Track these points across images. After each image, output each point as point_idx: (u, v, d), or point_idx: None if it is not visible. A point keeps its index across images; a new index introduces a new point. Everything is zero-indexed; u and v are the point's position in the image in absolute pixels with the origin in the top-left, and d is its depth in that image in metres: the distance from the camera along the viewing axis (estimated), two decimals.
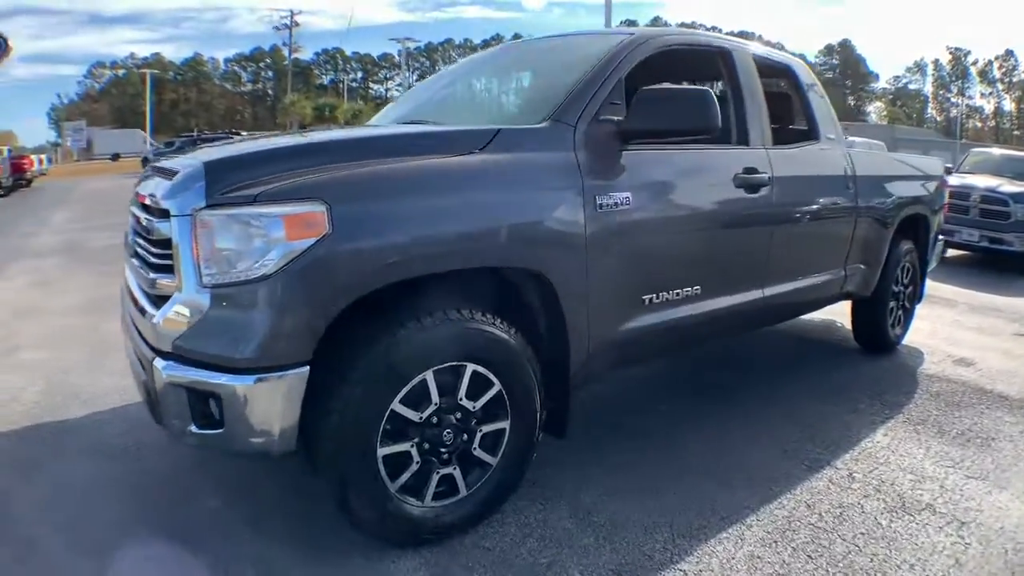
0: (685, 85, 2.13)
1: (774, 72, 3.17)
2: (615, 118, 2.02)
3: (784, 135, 3.11)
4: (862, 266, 3.26)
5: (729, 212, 2.44)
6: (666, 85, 2.06)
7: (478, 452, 1.83)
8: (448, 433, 1.75)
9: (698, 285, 2.30)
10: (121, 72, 69.74)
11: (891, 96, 77.45)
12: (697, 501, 2.04)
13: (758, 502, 2.04)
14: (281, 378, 1.51)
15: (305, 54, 68.49)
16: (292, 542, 1.80)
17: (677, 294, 2.24)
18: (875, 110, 75.17)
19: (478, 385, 1.78)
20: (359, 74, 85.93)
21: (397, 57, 73.96)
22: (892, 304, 3.62)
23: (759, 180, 2.50)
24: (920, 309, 4.19)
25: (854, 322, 3.70)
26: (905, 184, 3.55)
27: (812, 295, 3.00)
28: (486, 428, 1.83)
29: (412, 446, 1.71)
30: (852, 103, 76.05)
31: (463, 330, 1.71)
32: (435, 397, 1.71)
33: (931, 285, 5.83)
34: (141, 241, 1.81)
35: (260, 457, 1.66)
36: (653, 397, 2.94)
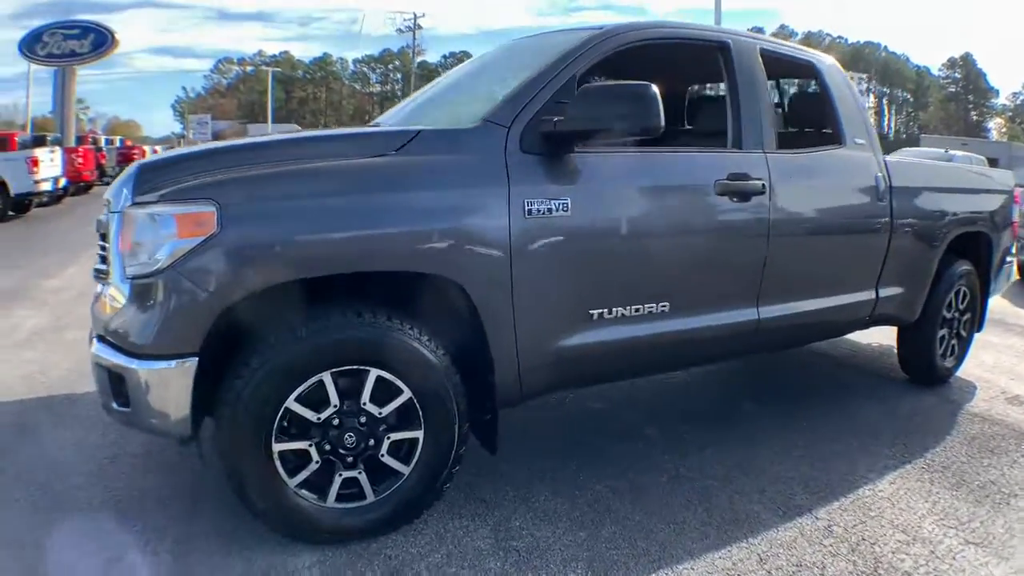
0: (628, 81, 1.90)
1: (793, 70, 2.90)
2: (557, 119, 1.89)
3: (804, 139, 2.86)
4: (901, 288, 2.91)
5: (707, 222, 2.24)
6: (608, 81, 1.92)
7: (387, 459, 1.81)
8: (351, 436, 1.75)
9: (666, 302, 2.13)
10: (249, 68, 74.31)
11: (1010, 113, 69.48)
12: (634, 538, 1.89)
13: (704, 548, 1.86)
14: (171, 367, 1.60)
15: (432, 57, 70.39)
16: (218, 522, 1.88)
17: (637, 310, 2.08)
18: (995, 126, 68.01)
19: (385, 391, 1.75)
20: None
21: None
22: (943, 332, 3.22)
23: (750, 187, 2.28)
24: (988, 337, 3.71)
25: (899, 350, 3.34)
26: (960, 198, 3.16)
27: (828, 319, 2.69)
28: (396, 436, 1.81)
29: (311, 445, 1.73)
30: (975, 118, 68.98)
31: (364, 334, 1.70)
32: (334, 399, 1.72)
33: (1008, 311, 5.17)
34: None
35: (168, 438, 1.72)
36: (647, 417, 2.78)
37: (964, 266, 3.22)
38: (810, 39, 59.38)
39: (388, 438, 1.79)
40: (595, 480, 2.20)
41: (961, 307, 3.29)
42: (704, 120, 3.15)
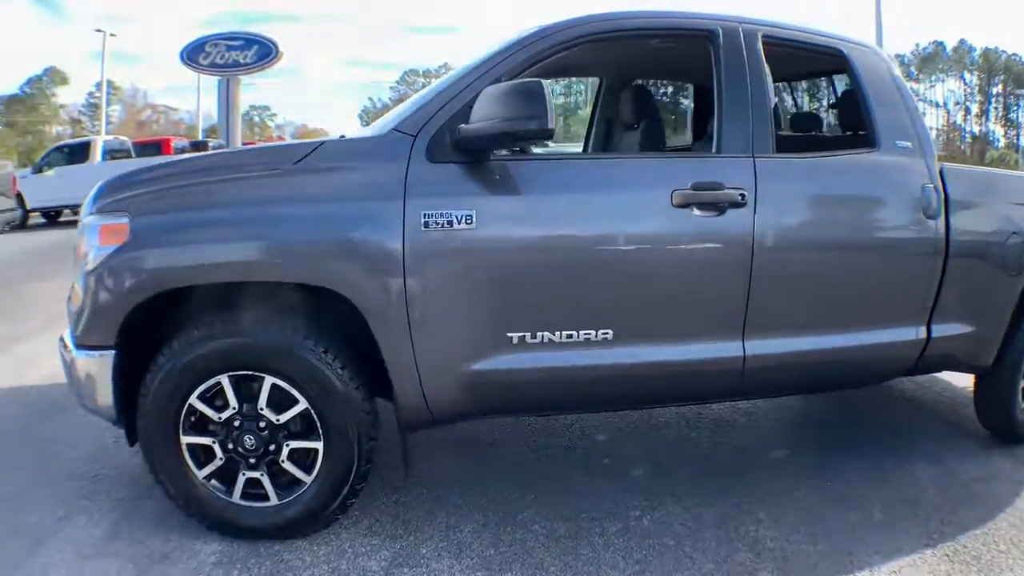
0: (522, 79, 1.75)
1: (815, 58, 2.47)
2: (462, 126, 1.82)
3: (828, 142, 2.48)
4: (967, 326, 2.38)
5: (661, 238, 1.98)
6: (505, 82, 1.79)
7: (287, 465, 1.90)
8: (250, 439, 1.87)
9: (608, 329, 1.93)
10: (434, 80, 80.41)
11: None
12: None
13: None
14: (94, 357, 1.84)
15: None
16: (145, 504, 2.11)
17: (570, 336, 1.91)
18: None
19: (283, 399, 1.84)
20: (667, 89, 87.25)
21: None
22: None
23: (724, 197, 1.98)
24: None
25: (975, 398, 2.75)
26: None
27: (852, 360, 2.24)
28: (295, 444, 1.90)
29: (215, 442, 1.88)
30: None
31: (256, 340, 1.80)
32: (233, 401, 1.84)
33: None
34: None
35: (104, 419, 1.95)
36: (646, 454, 2.55)
37: None
38: (987, 56, 50.37)
39: (287, 445, 1.89)
40: (539, 519, 2.08)
41: None
42: (693, 122, 2.82)
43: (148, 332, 1.86)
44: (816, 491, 2.27)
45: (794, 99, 3.52)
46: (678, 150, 3.20)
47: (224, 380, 1.81)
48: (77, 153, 13.00)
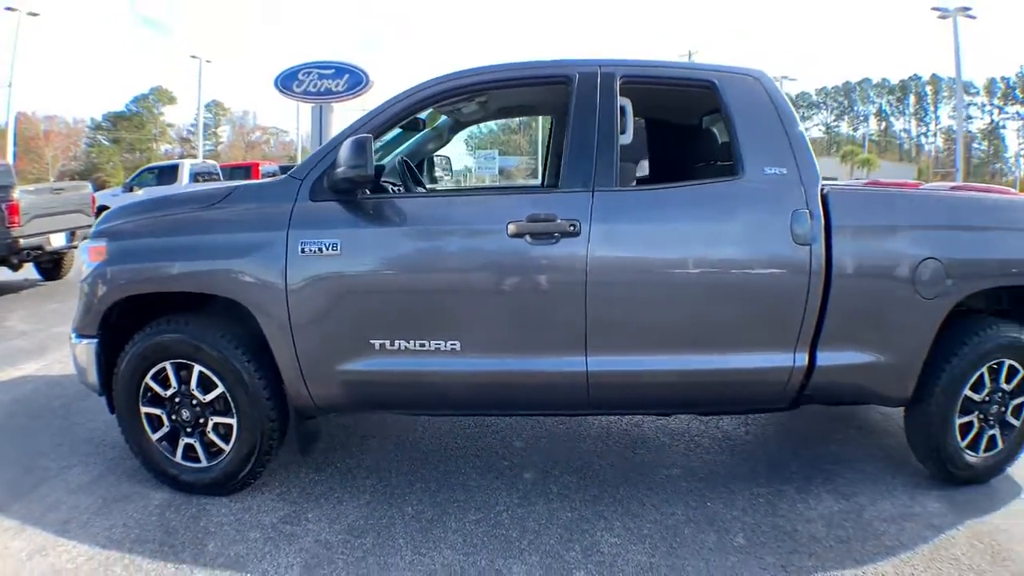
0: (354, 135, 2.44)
1: (692, 93, 2.86)
2: (337, 170, 2.45)
3: (699, 172, 2.88)
4: (869, 355, 2.59)
5: (497, 264, 2.51)
6: (350, 137, 2.43)
7: (211, 436, 2.71)
8: (187, 412, 2.69)
9: (455, 340, 2.51)
10: None
11: None
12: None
13: None
14: (82, 343, 2.75)
15: None
16: (125, 463, 2.99)
17: (423, 345, 2.52)
18: None
19: (209, 383, 2.65)
20: None
21: (814, 97, 74.50)
22: (967, 418, 2.77)
23: (556, 228, 2.47)
24: None
25: (905, 433, 2.94)
26: (984, 238, 2.71)
27: (708, 380, 2.57)
28: (216, 419, 2.69)
29: (163, 413, 2.71)
30: None
31: (188, 338, 2.61)
32: (174, 383, 2.68)
33: None
34: None
35: (95, 393, 2.84)
36: (564, 463, 3.05)
37: (1010, 333, 2.72)
38: None
39: (212, 419, 2.68)
40: (415, 503, 2.68)
41: (1007, 387, 2.77)
42: (556, 161, 3.32)
43: (130, 326, 2.72)
44: (690, 510, 2.64)
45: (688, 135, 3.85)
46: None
47: (168, 366, 2.64)
48: (166, 175, 15.55)
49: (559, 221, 2.48)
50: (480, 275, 2.53)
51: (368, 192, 2.59)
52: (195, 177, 15.77)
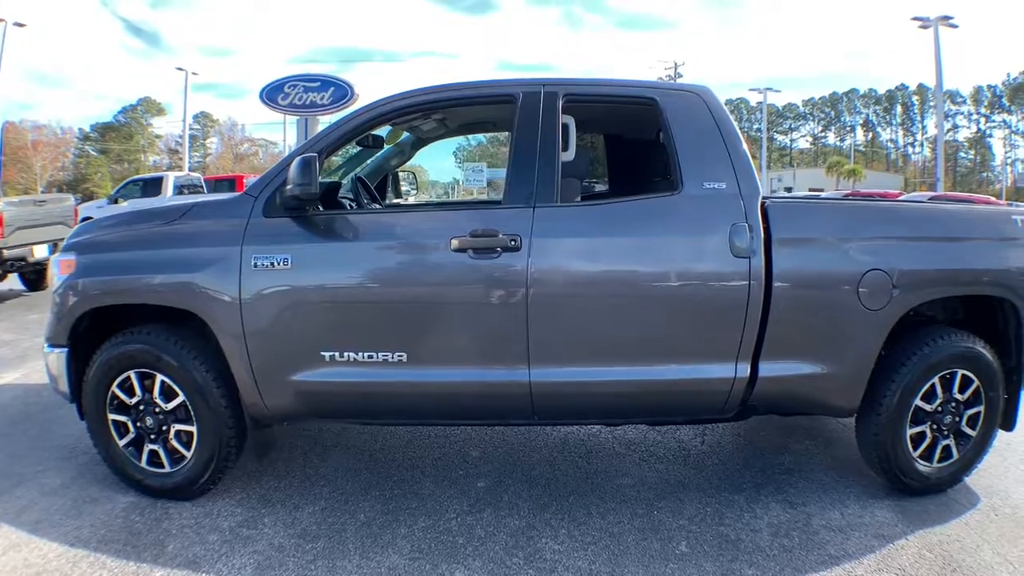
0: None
1: (634, 109, 3.00)
2: (286, 188, 2.58)
3: (637, 188, 2.98)
4: (812, 366, 2.65)
5: (440, 277, 2.63)
6: (299, 155, 2.56)
7: (174, 442, 2.81)
8: (151, 420, 2.80)
9: (402, 352, 2.62)
10: None
11: None
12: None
13: None
14: (54, 352, 2.87)
15: None
16: (96, 468, 3.10)
17: (370, 357, 2.62)
18: None
19: (171, 392, 2.76)
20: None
21: (801, 108, 75.55)
22: (919, 428, 2.82)
23: (498, 243, 2.57)
24: None
25: (857, 443, 3.00)
26: (931, 248, 2.75)
27: (650, 391, 2.67)
28: (178, 427, 2.80)
29: (129, 420, 2.83)
30: None
31: (149, 348, 2.73)
32: (139, 391, 2.79)
33: None
34: None
35: (67, 400, 2.94)
36: (504, 469, 3.22)
37: (962, 343, 2.78)
38: None
39: (173, 427, 2.78)
40: (367, 511, 2.78)
41: (960, 397, 2.84)
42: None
43: (100, 336, 2.82)
44: (637, 519, 2.73)
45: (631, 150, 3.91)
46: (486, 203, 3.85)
47: (132, 375, 2.75)
48: (150, 187, 15.67)
49: (500, 236, 2.58)
50: (425, 288, 2.65)
51: (320, 208, 2.72)
52: (179, 189, 15.89)
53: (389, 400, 2.73)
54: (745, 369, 2.66)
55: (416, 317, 2.66)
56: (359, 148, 3.62)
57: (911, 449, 2.81)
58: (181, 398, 2.74)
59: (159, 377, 2.74)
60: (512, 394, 2.66)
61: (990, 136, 72.42)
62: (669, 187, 2.78)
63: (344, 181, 3.56)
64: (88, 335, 2.85)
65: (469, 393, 2.69)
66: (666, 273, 2.66)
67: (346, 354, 2.64)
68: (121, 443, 2.83)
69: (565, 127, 2.75)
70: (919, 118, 76.55)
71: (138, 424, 2.81)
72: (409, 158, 4.04)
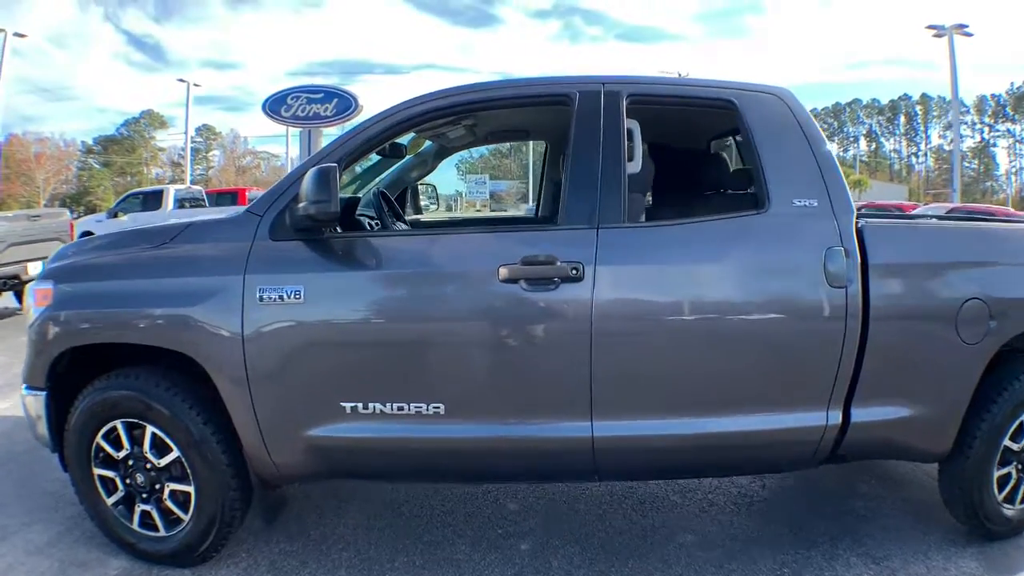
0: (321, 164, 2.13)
1: (709, 112, 2.61)
2: (299, 205, 2.17)
3: (718, 205, 2.63)
4: (906, 409, 2.33)
5: (487, 314, 2.20)
6: (314, 166, 2.15)
7: (169, 503, 2.40)
8: (141, 477, 2.39)
9: (439, 403, 2.20)
10: None
11: None
12: None
13: None
14: (31, 395, 2.46)
15: None
16: (85, 523, 2.69)
17: (401, 409, 2.21)
18: None
19: (163, 446, 2.35)
20: None
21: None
22: (1006, 470, 2.52)
23: (555, 272, 2.16)
24: None
25: (939, 487, 2.68)
26: None
27: (731, 444, 2.29)
28: (173, 486, 2.38)
29: (117, 476, 2.41)
30: None
31: (136, 394, 2.31)
32: (127, 444, 2.38)
33: None
34: None
35: (47, 448, 2.54)
36: (548, 526, 2.84)
37: None
38: None
39: (168, 486, 2.37)
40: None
41: None
42: (552, 191, 3.09)
43: (84, 376, 2.41)
44: None
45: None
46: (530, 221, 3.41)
47: (119, 425, 2.34)
48: (150, 200, 15.26)
49: (559, 264, 2.18)
50: (467, 327, 2.22)
51: (338, 229, 2.32)
52: (180, 203, 15.50)
53: (422, 459, 2.31)
54: (837, 416, 2.31)
55: (456, 362, 2.24)
56: (377, 158, 3.22)
57: (997, 492, 2.52)
58: (176, 453, 2.32)
59: (149, 428, 2.33)
60: (571, 451, 2.25)
61: (994, 146, 72.31)
62: (752, 204, 2.39)
63: (361, 195, 3.16)
64: (71, 374, 2.45)
65: (518, 451, 2.27)
66: (753, 306, 2.26)
67: (371, 406, 2.22)
68: (110, 501, 2.42)
69: (630, 133, 2.34)
70: (923, 128, 76.48)
71: (127, 481, 2.41)
72: (431, 169, 3.63)
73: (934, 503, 2.75)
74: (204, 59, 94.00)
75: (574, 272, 2.17)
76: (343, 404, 2.22)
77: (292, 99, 17.41)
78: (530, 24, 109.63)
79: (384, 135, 2.42)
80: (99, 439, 2.38)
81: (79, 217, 16.93)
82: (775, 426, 2.28)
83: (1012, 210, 17.48)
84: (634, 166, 2.35)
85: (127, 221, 14.56)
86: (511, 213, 21.72)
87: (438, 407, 2.21)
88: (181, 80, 37.18)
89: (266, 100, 17.09)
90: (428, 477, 2.56)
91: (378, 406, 2.21)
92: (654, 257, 2.26)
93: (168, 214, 14.28)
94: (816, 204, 2.31)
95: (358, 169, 3.37)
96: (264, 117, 16.95)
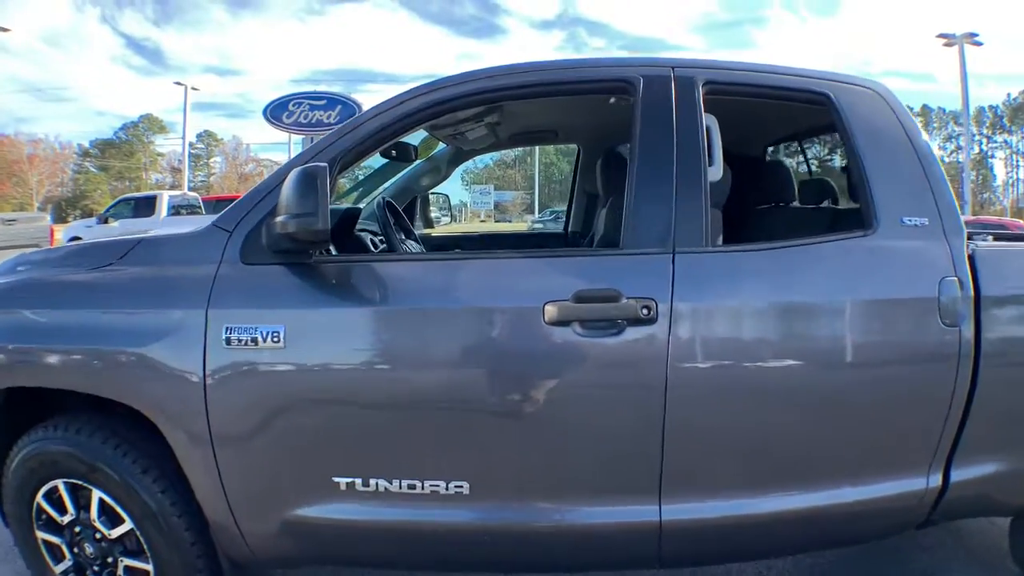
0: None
1: (795, 107, 2.14)
2: (276, 219, 1.66)
3: (816, 221, 2.19)
4: (1004, 463, 1.94)
5: (530, 365, 1.70)
6: (297, 167, 1.68)
7: None
8: (91, 548, 1.93)
9: (463, 480, 1.72)
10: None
11: None
12: None
13: None
14: None
15: None
16: None
17: (412, 487, 1.72)
18: None
19: (114, 515, 1.88)
20: None
21: None
22: None
23: (620, 312, 1.67)
24: None
25: (1011, 539, 2.31)
26: None
27: (823, 519, 1.85)
28: (128, 562, 1.92)
29: (64, 543, 1.96)
30: None
31: (77, 452, 1.83)
32: (71, 508, 1.92)
33: None
34: None
35: None
36: None
37: None
38: None
39: (122, 561, 1.91)
40: None
41: None
42: (585, 205, 2.61)
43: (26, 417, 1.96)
44: None
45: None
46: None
47: (60, 485, 1.88)
48: (142, 206, 14.69)
49: (625, 301, 1.67)
50: (501, 384, 1.72)
51: (331, 250, 1.84)
52: (175, 209, 14.98)
53: (437, 547, 1.82)
54: (938, 478, 1.89)
55: (485, 428, 1.74)
56: (383, 161, 2.78)
57: None
58: (127, 526, 1.86)
59: (96, 493, 1.86)
60: (631, 538, 1.78)
61: (992, 157, 72.19)
62: (856, 223, 1.91)
63: (363, 205, 2.71)
64: (11, 412, 1.99)
65: (561, 539, 1.78)
66: (861, 353, 1.79)
67: (373, 482, 1.72)
68: (58, 570, 1.97)
69: (708, 132, 1.85)
70: None
71: (75, 551, 1.95)
72: (445, 177, 3.14)
73: (995, 553, 2.47)
74: (206, 65, 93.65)
75: (645, 312, 1.67)
76: (336, 480, 1.73)
77: (294, 105, 17.20)
78: (534, 35, 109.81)
79: (390, 130, 1.87)
80: (40, 499, 1.92)
81: (73, 221, 16.46)
82: (870, 496, 1.84)
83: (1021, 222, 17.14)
84: (715, 172, 1.85)
85: (117, 227, 14.05)
86: (540, 229, 20.91)
87: (460, 486, 1.72)
88: (178, 83, 36.68)
89: (267, 106, 16.89)
90: (444, 567, 2.04)
91: (382, 483, 1.72)
92: (745, 291, 1.76)
93: (162, 221, 13.77)
94: (927, 223, 1.86)
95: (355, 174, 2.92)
96: (265, 123, 16.77)
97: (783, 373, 1.76)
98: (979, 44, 23.30)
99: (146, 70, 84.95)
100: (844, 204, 2.76)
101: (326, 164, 1.64)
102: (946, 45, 23.15)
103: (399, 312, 1.74)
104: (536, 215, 33.95)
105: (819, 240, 1.88)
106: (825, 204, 2.80)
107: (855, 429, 1.83)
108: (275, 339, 1.67)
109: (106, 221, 14.73)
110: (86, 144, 56.94)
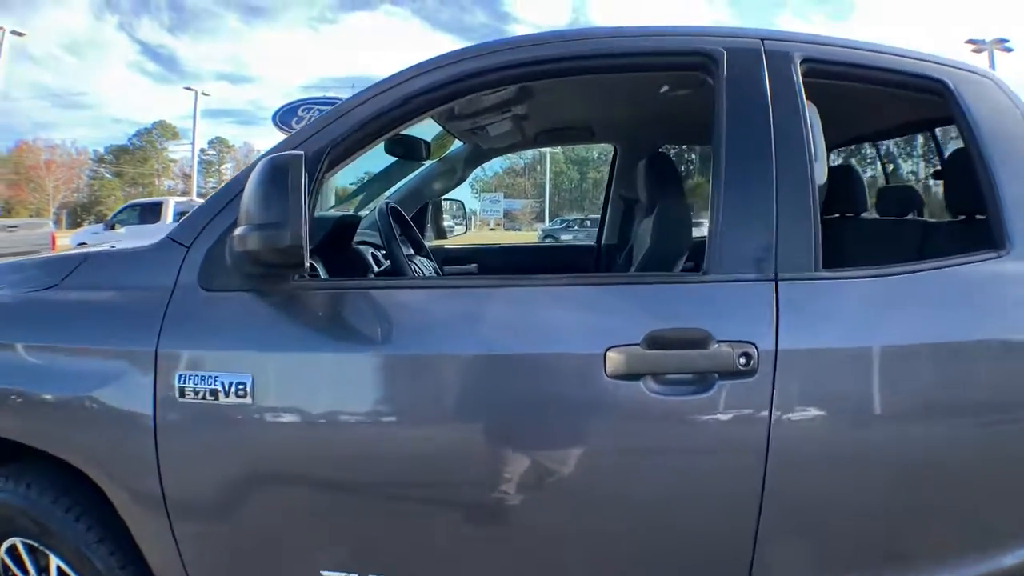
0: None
1: (903, 96, 1.74)
2: (235, 233, 1.31)
3: (917, 237, 1.89)
4: None
5: (587, 433, 1.31)
6: (263, 158, 1.35)
7: None
8: None
9: None
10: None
11: None
12: None
13: None
14: None
15: None
16: None
17: None
18: None
19: None
20: None
21: None
22: None
23: (708, 362, 1.26)
24: None
25: None
26: None
27: None
28: None
29: None
30: None
31: (30, 510, 1.47)
32: (32, 570, 1.57)
33: None
34: None
35: None
36: None
37: None
38: None
39: None
40: None
41: None
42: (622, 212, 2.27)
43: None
44: None
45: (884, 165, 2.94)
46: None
47: (18, 544, 1.52)
48: (148, 212, 14.60)
49: (716, 347, 1.25)
50: (548, 456, 1.31)
51: (316, 271, 1.51)
52: (180, 216, 14.90)
53: None
54: None
55: (523, 512, 1.32)
56: (391, 160, 2.44)
57: None
58: None
59: (54, 561, 1.50)
60: None
61: None
62: (985, 241, 1.49)
63: (365, 212, 2.38)
64: None
65: None
66: (989, 405, 1.40)
67: None
68: None
69: (811, 123, 1.43)
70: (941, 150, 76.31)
71: None
72: (462, 180, 2.76)
73: None
74: (219, 72, 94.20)
75: (743, 362, 1.24)
76: (324, 573, 1.36)
77: (303, 111, 17.18)
78: None
79: (391, 116, 1.45)
80: (3, 554, 1.57)
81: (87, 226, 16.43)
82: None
83: None
84: (821, 173, 1.42)
85: (123, 234, 13.92)
86: (565, 239, 19.60)
87: None
88: (189, 88, 36.80)
89: (276, 112, 16.93)
90: None
91: None
92: (867, 330, 1.34)
93: (167, 227, 13.66)
94: None
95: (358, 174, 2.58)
96: (275, 129, 16.72)
97: (906, 434, 1.35)
98: (1009, 50, 22.82)
99: (161, 77, 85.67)
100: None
101: (301, 153, 1.23)
102: (975, 51, 22.68)
103: (405, 359, 1.33)
104: (547, 223, 33.58)
105: (940, 264, 1.45)
106: (910, 216, 2.42)
107: (985, 495, 1.41)
108: (240, 392, 1.28)
109: (113, 227, 14.61)
110: (101, 150, 57.43)
